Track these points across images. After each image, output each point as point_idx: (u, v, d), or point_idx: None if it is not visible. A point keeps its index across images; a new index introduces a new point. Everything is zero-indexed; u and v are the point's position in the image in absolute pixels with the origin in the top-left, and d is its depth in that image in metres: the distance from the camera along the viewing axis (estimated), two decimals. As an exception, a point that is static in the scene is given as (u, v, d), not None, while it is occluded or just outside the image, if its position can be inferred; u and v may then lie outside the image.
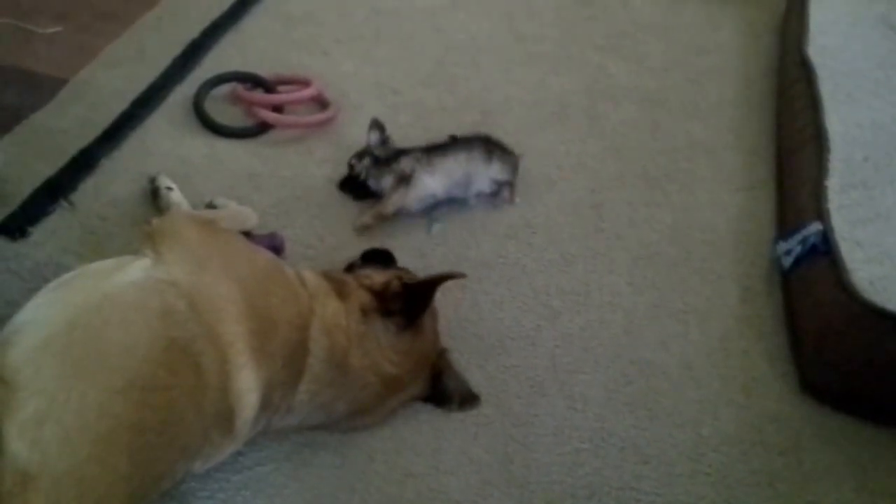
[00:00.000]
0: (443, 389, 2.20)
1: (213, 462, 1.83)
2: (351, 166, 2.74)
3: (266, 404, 1.83)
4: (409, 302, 2.07)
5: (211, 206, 2.54)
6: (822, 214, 2.47)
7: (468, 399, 2.23)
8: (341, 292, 2.08)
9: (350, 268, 2.35)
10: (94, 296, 1.68)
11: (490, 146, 2.77)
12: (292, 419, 1.94)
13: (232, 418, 1.76)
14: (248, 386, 1.77)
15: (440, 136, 2.85)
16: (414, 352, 2.10)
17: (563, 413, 2.27)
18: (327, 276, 2.15)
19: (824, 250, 2.38)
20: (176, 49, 3.24)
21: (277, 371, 1.83)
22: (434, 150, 2.74)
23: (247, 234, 2.35)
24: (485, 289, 2.56)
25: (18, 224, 2.45)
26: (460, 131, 2.90)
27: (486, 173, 2.75)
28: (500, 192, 2.79)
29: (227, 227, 2.24)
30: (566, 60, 3.62)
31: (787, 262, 2.55)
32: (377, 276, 2.17)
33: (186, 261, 1.81)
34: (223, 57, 3.29)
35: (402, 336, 2.08)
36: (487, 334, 2.43)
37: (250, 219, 2.45)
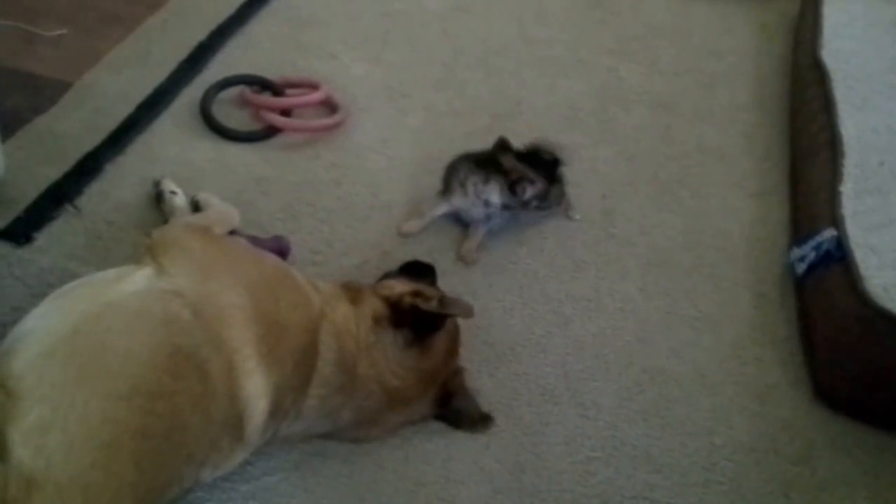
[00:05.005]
0: (453, 411, 2.18)
1: (222, 471, 1.82)
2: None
3: (276, 410, 1.82)
4: (418, 320, 2.03)
5: (194, 202, 2.53)
6: (836, 220, 2.45)
7: (480, 420, 2.20)
8: (354, 299, 2.07)
9: (385, 277, 2.33)
10: (96, 304, 1.68)
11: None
12: (300, 425, 1.92)
13: (241, 425, 1.75)
14: (257, 392, 1.76)
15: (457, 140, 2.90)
16: (420, 369, 2.06)
17: (574, 421, 2.25)
18: (346, 285, 2.15)
19: (838, 257, 2.37)
20: (182, 52, 3.22)
21: (287, 375, 1.82)
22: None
23: (252, 238, 2.33)
24: (495, 295, 2.54)
25: (23, 229, 2.43)
26: (471, 136, 2.92)
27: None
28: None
29: (221, 231, 2.24)
30: (577, 64, 3.60)
31: (801, 268, 2.53)
32: (398, 287, 2.14)
33: (190, 271, 1.81)
34: (230, 60, 3.27)
35: (409, 351, 2.03)
36: (498, 341, 2.41)
37: (234, 218, 2.42)
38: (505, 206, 2.62)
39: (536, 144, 2.77)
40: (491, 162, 2.65)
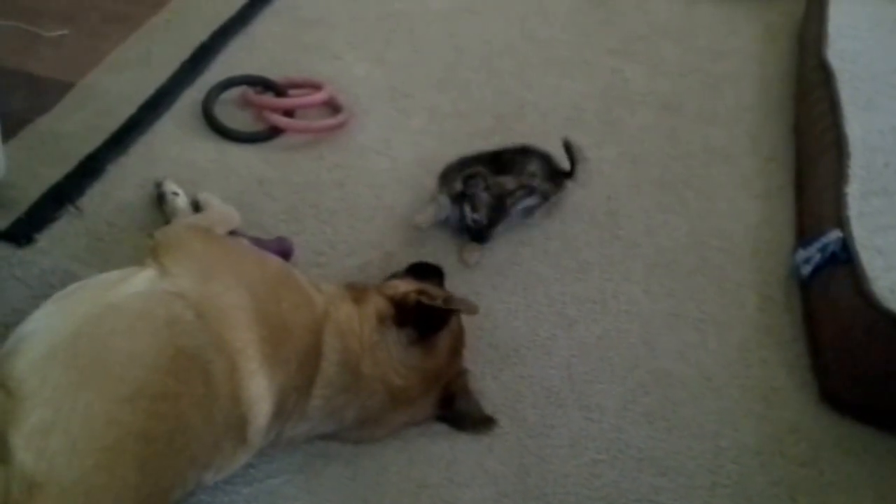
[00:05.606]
0: (455, 412, 2.16)
1: (225, 473, 1.82)
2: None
3: (279, 411, 1.81)
4: (421, 317, 2.03)
5: (194, 202, 2.53)
6: (842, 222, 2.44)
7: (482, 422, 2.19)
8: (358, 299, 2.07)
9: (392, 278, 2.32)
10: (99, 306, 1.68)
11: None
12: (304, 426, 1.92)
13: (244, 427, 1.75)
14: (260, 393, 1.75)
15: (459, 141, 2.90)
16: (423, 368, 2.05)
17: (579, 424, 2.24)
18: (350, 285, 2.16)
19: (844, 258, 2.36)
20: (184, 52, 3.21)
21: (291, 376, 1.81)
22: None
23: (256, 240, 2.32)
24: (500, 297, 2.53)
25: (24, 231, 2.43)
26: (474, 137, 2.93)
27: None
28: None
29: (221, 232, 2.24)
30: (581, 65, 3.59)
31: (807, 270, 2.52)
32: (403, 287, 2.14)
33: (192, 272, 1.81)
34: (233, 60, 3.26)
35: (413, 350, 2.03)
36: (502, 343, 2.40)
37: (235, 218, 2.42)
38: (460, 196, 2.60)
39: (569, 143, 2.77)
40: (480, 163, 2.65)
